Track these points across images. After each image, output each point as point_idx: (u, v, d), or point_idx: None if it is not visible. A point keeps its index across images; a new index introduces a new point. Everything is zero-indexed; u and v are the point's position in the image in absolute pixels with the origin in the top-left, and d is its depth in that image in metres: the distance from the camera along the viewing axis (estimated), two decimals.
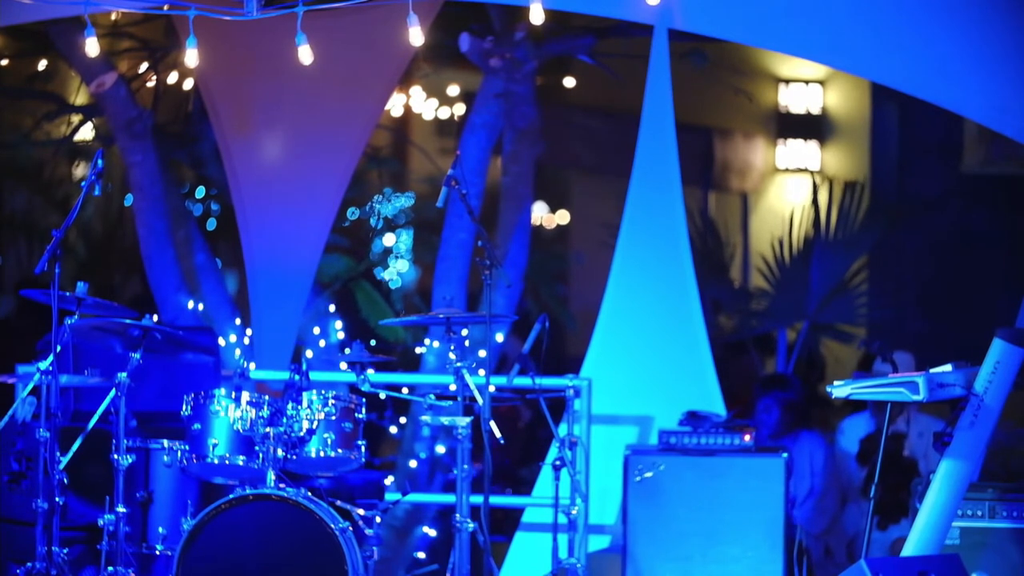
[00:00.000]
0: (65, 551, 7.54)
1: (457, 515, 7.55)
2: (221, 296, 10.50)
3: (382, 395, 8.96)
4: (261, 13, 8.47)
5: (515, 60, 9.96)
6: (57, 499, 7.44)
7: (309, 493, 7.53)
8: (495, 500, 8.44)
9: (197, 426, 7.66)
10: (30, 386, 7.62)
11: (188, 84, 11.00)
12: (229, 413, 7.63)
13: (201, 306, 10.26)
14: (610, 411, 9.21)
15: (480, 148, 10.16)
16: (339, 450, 7.70)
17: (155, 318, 7.78)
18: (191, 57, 8.48)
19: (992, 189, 13.23)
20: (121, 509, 7.57)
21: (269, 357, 9.91)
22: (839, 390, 7.34)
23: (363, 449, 7.80)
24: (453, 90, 12.41)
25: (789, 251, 12.34)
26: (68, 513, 7.77)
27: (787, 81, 14.62)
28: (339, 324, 10.88)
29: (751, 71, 13.75)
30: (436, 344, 10.13)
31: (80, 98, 11.55)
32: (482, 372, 7.85)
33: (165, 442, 7.86)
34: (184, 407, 7.70)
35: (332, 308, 10.85)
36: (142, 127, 10.25)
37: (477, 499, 7.60)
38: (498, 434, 7.62)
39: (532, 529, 9.34)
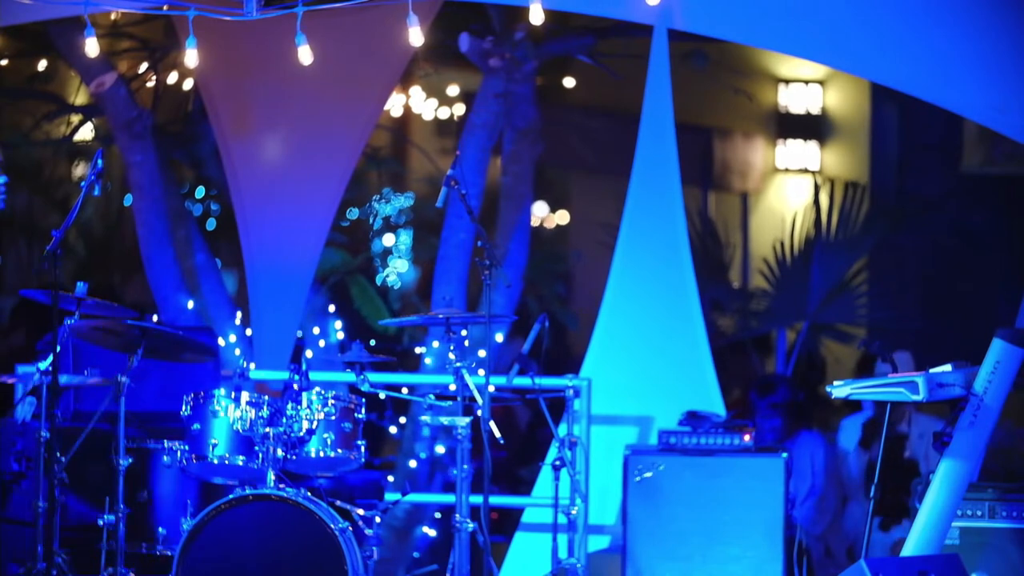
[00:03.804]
0: (65, 551, 7.54)
1: (457, 515, 7.55)
2: (221, 296, 10.49)
3: (382, 395, 8.95)
4: (261, 13, 8.46)
5: (515, 60, 9.95)
6: (57, 499, 7.44)
7: (309, 493, 7.53)
8: (494, 500, 8.44)
9: (197, 426, 7.66)
10: (30, 386, 7.61)
11: (188, 84, 10.99)
12: (229, 413, 7.63)
13: (191, 304, 10.25)
14: (610, 411, 9.20)
15: (480, 148, 10.15)
16: (339, 450, 7.69)
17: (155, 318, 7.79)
18: (191, 57, 8.48)
19: (992, 189, 13.22)
20: (121, 509, 7.58)
21: (269, 357, 9.90)
22: (839, 390, 7.34)
23: (363, 449, 7.80)
24: (453, 90, 12.40)
25: (790, 251, 12.33)
26: (68, 513, 7.76)
27: (787, 81, 14.60)
28: (339, 324, 10.87)
29: (751, 71, 13.74)
30: (436, 344, 10.13)
31: (80, 98, 11.55)
32: (482, 372, 7.84)
33: (165, 442, 7.87)
34: (184, 407, 7.70)
35: (328, 302, 10.85)
36: (142, 127, 10.24)
37: (477, 499, 7.60)
38: (498, 434, 7.62)
39: (532, 529, 9.33)
